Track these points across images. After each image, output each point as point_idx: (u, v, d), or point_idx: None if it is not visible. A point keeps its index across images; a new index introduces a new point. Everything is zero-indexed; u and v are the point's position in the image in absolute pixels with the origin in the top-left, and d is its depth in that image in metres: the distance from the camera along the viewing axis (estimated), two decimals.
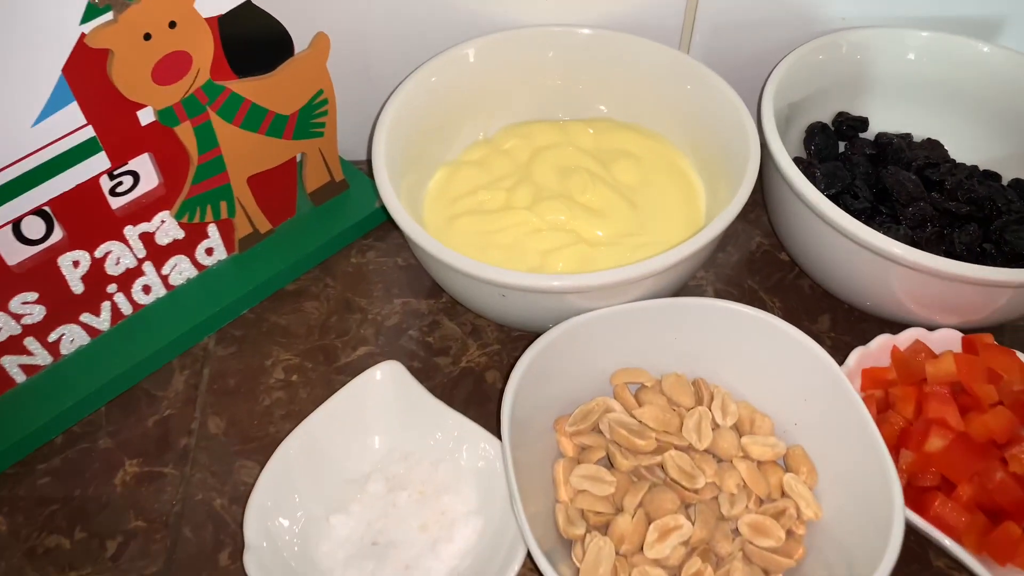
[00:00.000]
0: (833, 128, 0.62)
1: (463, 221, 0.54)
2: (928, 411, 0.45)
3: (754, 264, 0.60)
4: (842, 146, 0.62)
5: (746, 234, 0.62)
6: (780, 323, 0.47)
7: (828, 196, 0.57)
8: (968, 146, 0.62)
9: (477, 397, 0.52)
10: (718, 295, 0.59)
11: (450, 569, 0.43)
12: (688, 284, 0.59)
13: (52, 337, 0.50)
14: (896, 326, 0.52)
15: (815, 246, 0.53)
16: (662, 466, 0.44)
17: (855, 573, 0.40)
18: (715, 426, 0.47)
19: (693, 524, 0.42)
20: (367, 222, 0.60)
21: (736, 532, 0.43)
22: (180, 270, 0.54)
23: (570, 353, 0.47)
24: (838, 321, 0.57)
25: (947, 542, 0.42)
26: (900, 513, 0.40)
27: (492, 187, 0.57)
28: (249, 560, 0.41)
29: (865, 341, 0.50)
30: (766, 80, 0.55)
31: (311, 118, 0.55)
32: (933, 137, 0.62)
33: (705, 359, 0.49)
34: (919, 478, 0.44)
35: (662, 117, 0.60)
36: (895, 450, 0.45)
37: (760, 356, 0.48)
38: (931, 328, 0.51)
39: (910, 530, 0.43)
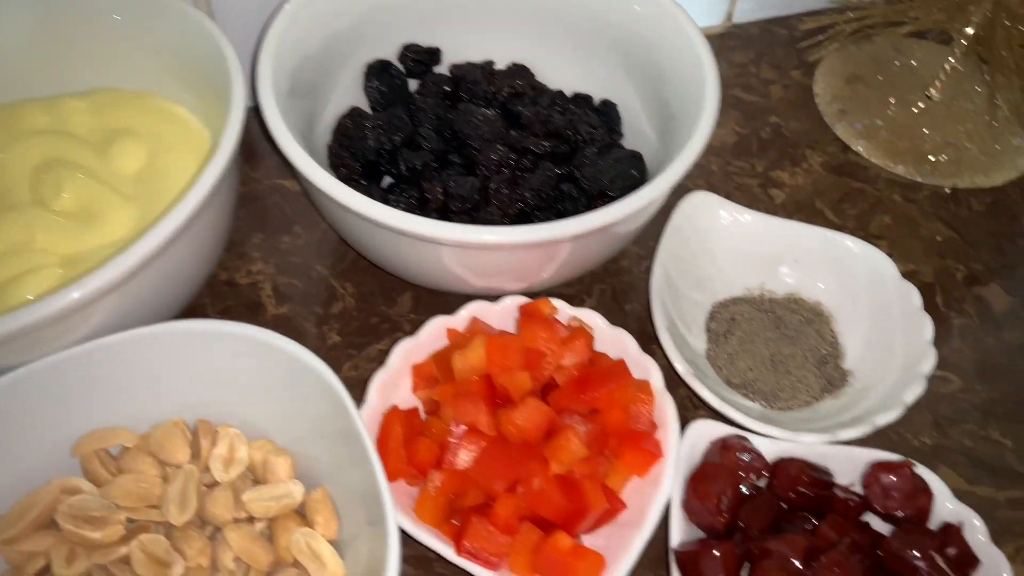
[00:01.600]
0: (401, 65, 0.52)
1: None
2: (456, 415, 0.37)
3: (325, 245, 0.50)
4: (416, 84, 0.52)
5: (316, 214, 0.51)
6: (278, 340, 0.37)
7: (385, 152, 0.47)
8: (561, 67, 0.53)
9: None
10: (278, 290, 0.48)
11: None
12: (238, 281, 0.48)
13: None
14: (480, 299, 0.43)
15: (338, 224, 0.43)
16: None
17: None
18: (213, 484, 0.37)
19: None
20: None
21: None
22: None
23: (3, 428, 0.35)
24: (421, 299, 0.48)
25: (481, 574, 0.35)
26: (394, 559, 0.32)
27: None
28: None
29: None
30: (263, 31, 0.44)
31: None
32: (520, 61, 0.54)
33: (207, 395, 0.38)
34: (465, 497, 0.37)
35: (165, 79, 0.47)
36: (434, 468, 0.37)
37: (267, 382, 0.38)
38: (497, 298, 0.43)
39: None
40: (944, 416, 0.46)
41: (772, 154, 0.57)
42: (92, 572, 0.34)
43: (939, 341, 0.49)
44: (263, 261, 0.49)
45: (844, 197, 0.56)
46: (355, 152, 0.47)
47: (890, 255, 0.53)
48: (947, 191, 0.56)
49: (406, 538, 0.39)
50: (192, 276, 0.41)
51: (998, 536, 0.42)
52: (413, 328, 0.47)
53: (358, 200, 0.38)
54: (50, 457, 0.37)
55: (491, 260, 0.41)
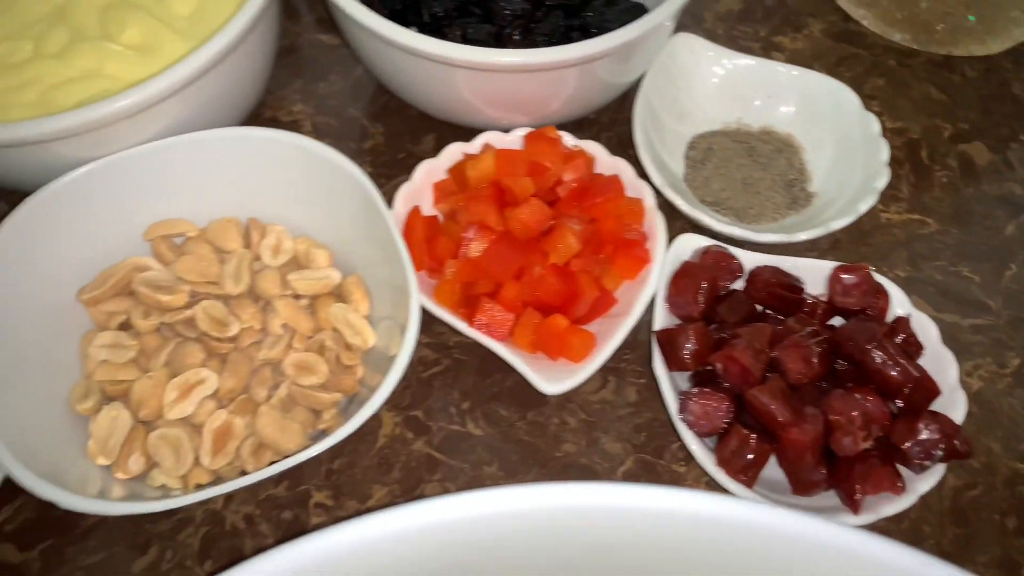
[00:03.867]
0: None
1: None
2: (468, 215, 0.42)
3: (358, 91, 0.55)
4: None
5: (350, 61, 0.56)
6: (314, 145, 0.42)
7: (411, 2, 0.52)
8: None
9: None
10: (316, 128, 0.53)
11: None
12: (281, 119, 0.54)
13: None
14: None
15: (369, 56, 0.48)
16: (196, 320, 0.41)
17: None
18: (264, 270, 0.43)
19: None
20: None
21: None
22: None
23: (81, 211, 0.41)
24: (444, 139, 0.53)
25: (492, 344, 0.41)
26: (413, 330, 0.38)
27: (17, 36, 0.48)
28: None
29: None
30: None
31: None
32: None
33: (256, 196, 0.44)
34: (474, 286, 0.42)
35: None
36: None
37: (310, 186, 0.43)
38: (509, 131, 0.48)
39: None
40: (919, 253, 0.51)
41: (775, 21, 0.61)
42: (161, 329, 0.40)
43: (920, 191, 0.54)
44: (303, 103, 0.54)
45: (841, 61, 0.59)
46: (384, 0, 0.52)
47: (881, 113, 0.57)
48: (942, 58, 0.60)
49: (426, 327, 0.46)
50: (239, 96, 0.47)
51: (959, 355, 0.47)
52: None
53: (385, 26, 0.43)
54: (125, 240, 0.43)
55: (501, 86, 0.46)
